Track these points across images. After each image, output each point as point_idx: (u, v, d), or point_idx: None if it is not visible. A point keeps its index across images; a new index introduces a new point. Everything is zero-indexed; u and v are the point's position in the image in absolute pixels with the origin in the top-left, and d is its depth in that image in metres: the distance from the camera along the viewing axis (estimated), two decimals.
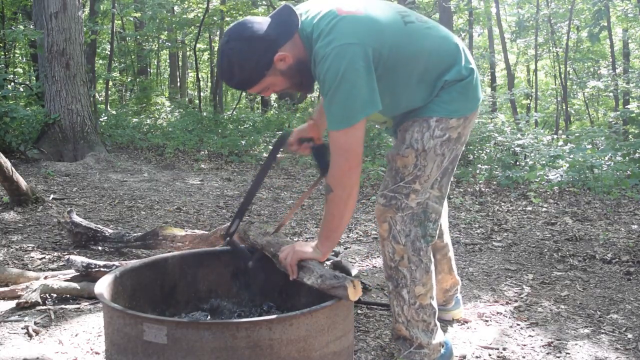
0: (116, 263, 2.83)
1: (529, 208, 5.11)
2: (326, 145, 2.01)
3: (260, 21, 1.71)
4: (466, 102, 1.86)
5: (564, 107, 12.04)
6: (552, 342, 2.25)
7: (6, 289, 2.66)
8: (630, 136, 8.10)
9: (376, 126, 6.38)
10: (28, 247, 3.51)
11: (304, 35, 1.72)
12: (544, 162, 6.75)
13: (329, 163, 1.94)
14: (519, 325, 2.44)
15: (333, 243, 1.85)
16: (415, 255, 1.87)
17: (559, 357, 2.13)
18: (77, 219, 3.56)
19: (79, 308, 2.55)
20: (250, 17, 1.73)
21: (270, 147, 2.15)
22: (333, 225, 1.81)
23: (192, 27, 13.90)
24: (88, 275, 2.71)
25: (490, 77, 13.28)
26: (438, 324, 1.98)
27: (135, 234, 3.41)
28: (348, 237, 4.05)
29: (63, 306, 2.55)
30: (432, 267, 1.94)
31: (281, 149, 2.12)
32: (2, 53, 11.90)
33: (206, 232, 3.34)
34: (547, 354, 2.15)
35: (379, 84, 1.70)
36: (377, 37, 1.69)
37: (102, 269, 2.68)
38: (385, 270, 1.94)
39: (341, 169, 1.72)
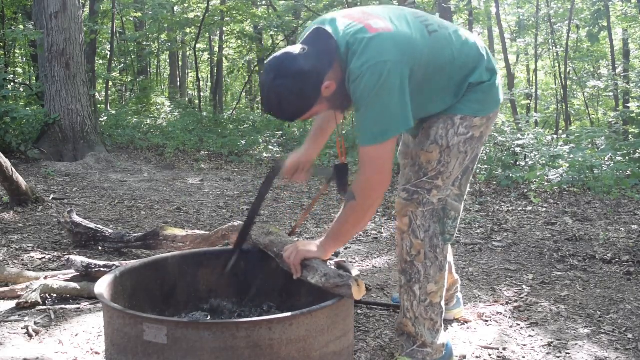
0: (116, 263, 2.83)
1: (529, 208, 5.11)
2: (347, 165, 2.04)
3: (302, 52, 1.69)
4: (489, 102, 1.89)
5: (564, 107, 12.03)
6: (552, 342, 2.25)
7: (6, 288, 2.65)
8: (630, 136, 8.10)
9: None
10: (28, 247, 3.51)
11: (339, 55, 1.71)
12: (544, 162, 6.75)
13: (347, 184, 1.96)
14: (519, 325, 2.44)
15: (338, 245, 1.88)
16: (431, 252, 1.89)
17: (559, 357, 2.13)
18: (77, 219, 3.56)
19: (79, 308, 2.55)
20: (290, 50, 1.70)
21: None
22: (345, 230, 1.84)
23: (192, 27, 13.89)
24: (88, 275, 2.70)
25: None
26: (443, 325, 1.99)
27: (135, 234, 3.41)
28: None
29: (63, 306, 2.55)
30: (447, 267, 1.95)
31: (275, 179, 2.13)
32: (2, 53, 11.89)
33: (207, 233, 3.34)
34: (547, 354, 2.15)
35: (411, 96, 1.71)
36: (408, 52, 1.70)
37: (102, 269, 2.68)
38: (400, 264, 1.95)
39: (370, 182, 1.75)
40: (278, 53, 1.72)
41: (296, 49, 1.71)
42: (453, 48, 1.81)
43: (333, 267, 1.83)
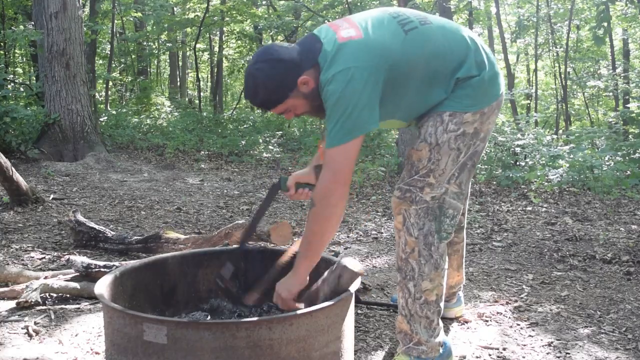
0: (116, 263, 2.83)
1: (529, 208, 5.11)
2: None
3: (287, 46, 1.80)
4: (481, 97, 1.87)
5: (564, 107, 12.03)
6: (552, 342, 2.25)
7: (6, 288, 2.66)
8: (630, 136, 8.09)
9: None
10: (28, 247, 3.51)
11: (320, 60, 1.79)
12: (544, 162, 6.75)
13: None
14: (519, 325, 2.44)
15: (313, 261, 1.83)
16: (425, 250, 1.88)
17: (559, 357, 2.13)
18: (81, 218, 3.58)
19: (79, 308, 2.55)
20: (277, 43, 1.81)
21: (267, 192, 2.15)
22: (313, 243, 1.80)
23: (192, 28, 13.89)
24: (88, 276, 2.71)
25: None
26: (441, 324, 1.98)
27: (137, 237, 3.41)
28: (348, 237, 4.06)
29: (63, 306, 2.56)
30: (445, 266, 1.94)
31: (276, 195, 2.13)
32: (2, 53, 11.88)
33: (209, 234, 3.34)
34: (547, 354, 2.15)
35: (392, 96, 1.77)
36: (380, 55, 1.74)
37: (102, 269, 2.68)
38: (397, 261, 1.96)
39: (326, 185, 1.74)
40: (265, 45, 1.79)
41: (283, 43, 1.81)
42: (436, 43, 1.82)
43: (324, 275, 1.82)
